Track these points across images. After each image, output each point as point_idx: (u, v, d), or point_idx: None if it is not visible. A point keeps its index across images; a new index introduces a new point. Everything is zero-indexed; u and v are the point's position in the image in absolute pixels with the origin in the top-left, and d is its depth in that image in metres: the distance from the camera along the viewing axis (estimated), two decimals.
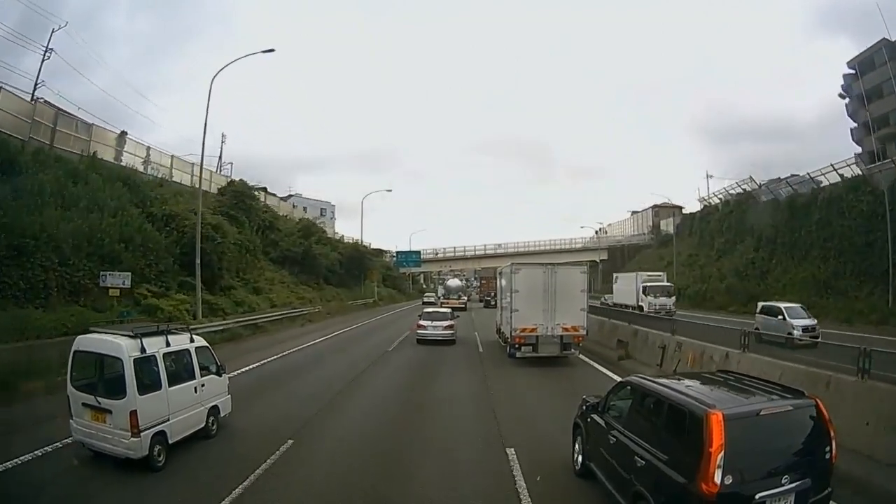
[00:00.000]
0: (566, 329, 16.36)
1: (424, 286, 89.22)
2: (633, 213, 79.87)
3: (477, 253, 72.46)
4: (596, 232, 77.31)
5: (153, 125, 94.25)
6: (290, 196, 66.50)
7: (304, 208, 63.05)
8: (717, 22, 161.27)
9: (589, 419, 6.94)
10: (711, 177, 66.13)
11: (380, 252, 69.98)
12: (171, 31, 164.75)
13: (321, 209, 71.37)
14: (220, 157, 46.47)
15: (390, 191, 74.37)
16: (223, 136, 69.39)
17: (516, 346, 16.70)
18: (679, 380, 6.13)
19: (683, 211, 67.02)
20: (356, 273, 48.64)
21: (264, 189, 49.61)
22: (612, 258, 68.31)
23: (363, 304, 45.75)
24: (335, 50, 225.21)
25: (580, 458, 7.12)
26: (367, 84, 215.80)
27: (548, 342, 16.43)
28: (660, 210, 71.66)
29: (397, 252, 71.04)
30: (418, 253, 68.42)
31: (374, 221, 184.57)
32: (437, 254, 74.02)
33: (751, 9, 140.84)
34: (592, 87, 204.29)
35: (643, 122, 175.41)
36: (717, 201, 53.56)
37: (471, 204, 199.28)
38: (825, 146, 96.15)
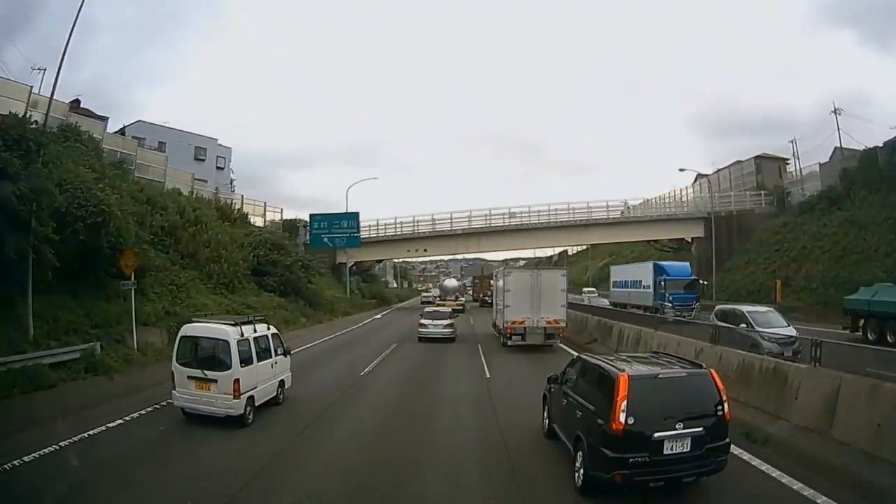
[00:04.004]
0: (549, 322, 19.54)
1: (389, 282, 65.46)
2: (700, 176, 52.45)
3: (475, 227, 44.60)
4: (621, 213, 48.62)
5: None
6: (134, 123, 38.14)
7: (162, 144, 36.14)
8: (712, 18, 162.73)
9: (551, 389, 8.97)
10: (840, 111, 39.60)
11: (293, 228, 43.47)
12: (157, 15, 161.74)
13: (196, 147, 41.68)
14: None
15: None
16: None
17: (508, 335, 19.85)
18: (615, 357, 8.10)
19: (788, 165, 45.74)
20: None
21: (75, 103, 28.66)
22: (716, 234, 39.54)
23: None
24: (320, 47, 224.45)
25: (547, 423, 9.11)
26: (357, 80, 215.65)
27: (534, 332, 19.59)
28: (762, 162, 47.10)
29: (311, 217, 41.92)
30: (354, 218, 40.52)
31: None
32: (402, 227, 44.78)
33: (746, 5, 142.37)
34: (584, 85, 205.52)
35: (640, 118, 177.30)
36: None
37: (461, 199, 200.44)
38: (821, 139, 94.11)
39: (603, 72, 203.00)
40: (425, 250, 47.90)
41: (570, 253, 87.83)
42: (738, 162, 49.50)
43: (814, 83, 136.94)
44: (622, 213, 45.87)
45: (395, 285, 71.70)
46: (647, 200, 50.56)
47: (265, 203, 43.66)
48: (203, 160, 42.39)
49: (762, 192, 44.42)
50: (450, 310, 25.78)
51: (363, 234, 43.28)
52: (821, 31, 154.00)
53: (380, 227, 45.52)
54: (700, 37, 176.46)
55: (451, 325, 23.18)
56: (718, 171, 50.30)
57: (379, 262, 56.30)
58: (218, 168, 44.39)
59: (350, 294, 42.64)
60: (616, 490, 6.54)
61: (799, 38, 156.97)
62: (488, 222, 44.90)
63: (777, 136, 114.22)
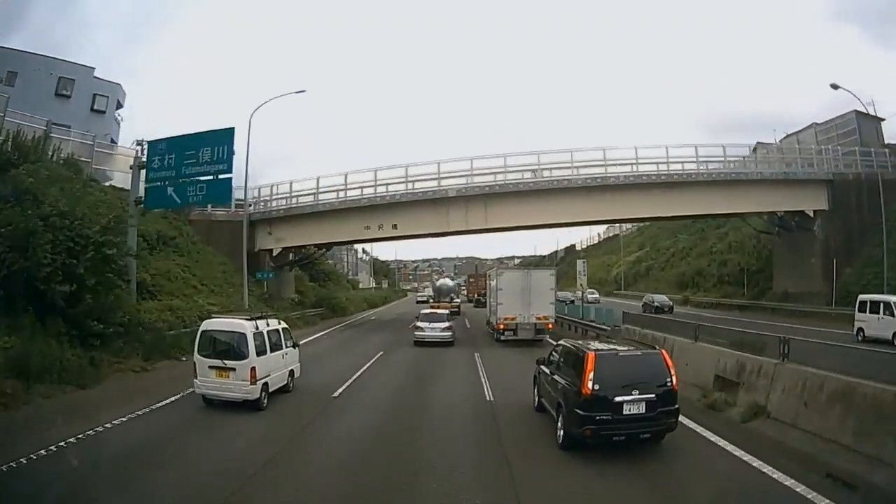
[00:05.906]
0: (539, 318, 20.93)
1: (360, 282, 52.67)
2: (761, 145, 38.97)
3: (478, 183, 27.88)
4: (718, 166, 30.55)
5: None
6: None
7: (12, 75, 27.70)
8: (709, 17, 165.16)
9: (540, 370, 10.54)
10: None
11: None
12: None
13: (60, 79, 29.66)
14: None
15: None
16: None
17: (501, 331, 21.21)
18: (590, 341, 10.06)
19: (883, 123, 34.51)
20: None
21: None
22: (845, 205, 28.44)
23: None
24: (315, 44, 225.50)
25: (536, 398, 10.72)
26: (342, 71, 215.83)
27: (525, 328, 20.97)
28: (860, 119, 34.76)
29: (149, 148, 18.05)
30: (225, 141, 17.03)
31: None
32: (362, 190, 28.58)
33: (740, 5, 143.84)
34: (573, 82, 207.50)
35: (634, 117, 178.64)
36: None
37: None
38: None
39: (600, 70, 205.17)
40: (394, 226, 28.90)
41: (578, 248, 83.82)
42: (815, 124, 37.16)
43: (811, 81, 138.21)
44: (722, 165, 29.08)
45: (373, 285, 55.15)
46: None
47: (137, 150, 23.05)
48: (67, 96, 29.24)
49: (886, 151, 31.96)
50: (447, 312, 24.14)
51: (300, 201, 28.73)
52: (818, 31, 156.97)
53: (319, 192, 28.67)
54: (695, 38, 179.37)
55: (449, 328, 21.94)
56: (796, 132, 37.57)
57: (323, 248, 36.09)
58: (96, 111, 30.86)
59: (250, 302, 23.32)
60: (587, 445, 7.96)
61: (794, 38, 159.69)
62: (503, 177, 27.82)
63: (771, 134, 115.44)
